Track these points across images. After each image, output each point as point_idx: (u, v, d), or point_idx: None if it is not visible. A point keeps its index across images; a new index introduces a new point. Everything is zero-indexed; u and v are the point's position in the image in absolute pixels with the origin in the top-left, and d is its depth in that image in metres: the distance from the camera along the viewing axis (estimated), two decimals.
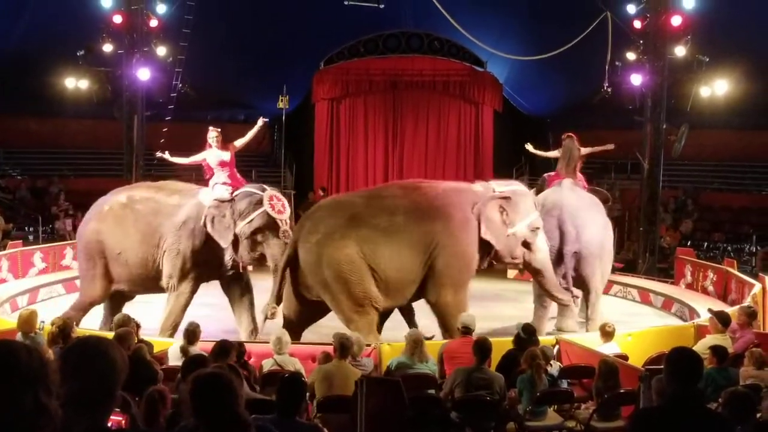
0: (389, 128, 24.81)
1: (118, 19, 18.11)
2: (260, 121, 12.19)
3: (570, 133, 13.84)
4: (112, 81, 18.68)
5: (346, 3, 20.65)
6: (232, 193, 11.18)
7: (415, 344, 8.20)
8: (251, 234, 10.83)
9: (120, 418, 3.23)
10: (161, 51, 18.89)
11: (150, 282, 11.42)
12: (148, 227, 11.15)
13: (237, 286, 11.61)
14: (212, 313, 13.15)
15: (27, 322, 8.84)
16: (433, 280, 10.71)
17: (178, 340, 8.73)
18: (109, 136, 22.93)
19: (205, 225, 10.92)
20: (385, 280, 10.56)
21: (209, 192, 11.29)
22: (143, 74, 18.34)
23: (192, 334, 8.44)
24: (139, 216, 11.20)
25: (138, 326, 8.76)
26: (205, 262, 11.24)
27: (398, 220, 10.67)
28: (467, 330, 8.80)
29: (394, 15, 23.02)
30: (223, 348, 7.27)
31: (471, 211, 10.91)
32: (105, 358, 2.70)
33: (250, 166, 26.33)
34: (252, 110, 28.04)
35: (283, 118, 24.95)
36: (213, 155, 11.50)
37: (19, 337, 8.62)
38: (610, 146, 14.30)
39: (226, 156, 11.55)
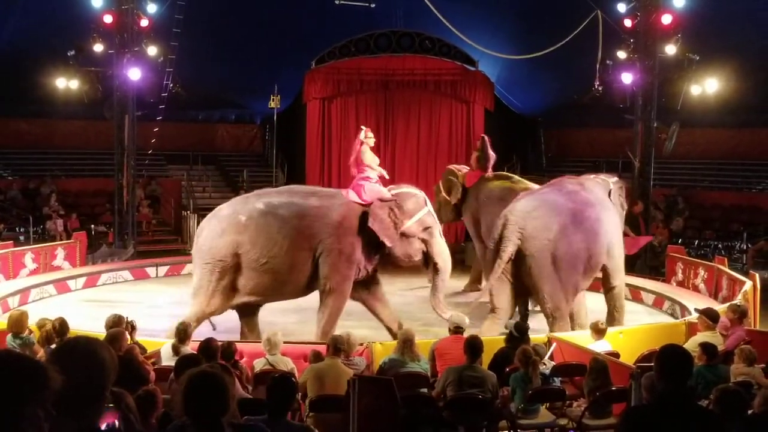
0: (381, 127, 24.73)
1: (108, 18, 18.04)
2: None
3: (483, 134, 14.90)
4: (103, 81, 18.59)
5: (337, 2, 20.65)
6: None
7: (405, 342, 8.20)
8: (419, 232, 11.33)
9: (114, 417, 3.22)
10: (152, 51, 18.82)
11: (293, 287, 11.18)
12: (296, 231, 10.96)
13: (376, 285, 11.72)
14: None
15: (18, 323, 8.79)
16: (615, 266, 12.15)
17: (170, 340, 8.70)
18: (99, 136, 22.91)
19: (368, 223, 11.03)
20: (593, 267, 11.76)
21: (364, 190, 11.38)
22: (134, 74, 18.29)
23: (183, 333, 8.42)
24: (284, 221, 10.97)
25: (133, 327, 8.73)
26: (358, 261, 11.30)
27: (594, 212, 11.86)
28: (458, 329, 8.82)
29: (386, 14, 23.01)
30: (209, 347, 7.29)
31: None
32: (94, 358, 2.69)
33: (241, 165, 26.41)
34: (243, 110, 28.13)
35: (275, 117, 24.93)
36: (370, 155, 11.81)
37: (9, 338, 8.60)
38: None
39: (376, 159, 11.95)
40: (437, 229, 11.60)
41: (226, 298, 11.04)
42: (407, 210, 11.28)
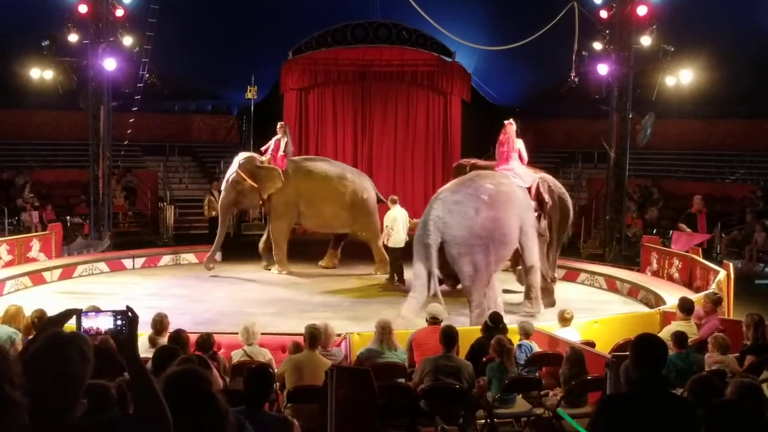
0: (358, 118, 24.76)
1: (83, 8, 17.86)
2: None
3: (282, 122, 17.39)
4: (78, 71, 18.43)
5: None
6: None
7: (383, 331, 8.23)
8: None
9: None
10: (127, 41, 18.65)
11: (508, 257, 12.80)
12: (513, 209, 12.20)
13: None
14: (181, 304, 13.15)
15: (13, 318, 8.69)
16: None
17: (148, 331, 8.65)
18: (74, 126, 22.73)
19: (546, 201, 13.03)
20: None
21: (526, 174, 13.06)
22: (109, 64, 18.14)
23: (159, 324, 8.38)
24: (507, 199, 12.21)
25: None
26: None
27: None
28: (435, 320, 8.86)
29: (362, 5, 22.99)
30: (179, 337, 7.31)
31: None
32: (61, 356, 2.66)
33: (218, 156, 26.29)
34: (220, 100, 27.98)
35: (252, 108, 24.83)
36: (523, 146, 13.36)
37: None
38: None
39: None
40: None
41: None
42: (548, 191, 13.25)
